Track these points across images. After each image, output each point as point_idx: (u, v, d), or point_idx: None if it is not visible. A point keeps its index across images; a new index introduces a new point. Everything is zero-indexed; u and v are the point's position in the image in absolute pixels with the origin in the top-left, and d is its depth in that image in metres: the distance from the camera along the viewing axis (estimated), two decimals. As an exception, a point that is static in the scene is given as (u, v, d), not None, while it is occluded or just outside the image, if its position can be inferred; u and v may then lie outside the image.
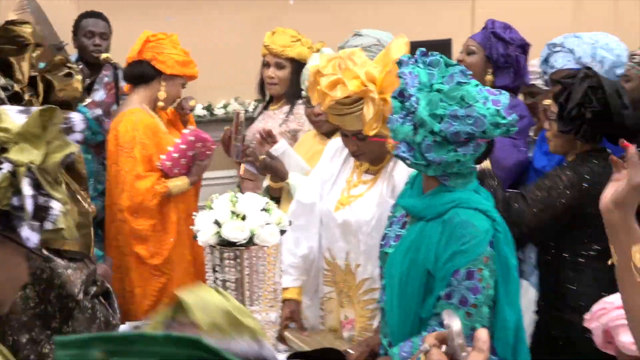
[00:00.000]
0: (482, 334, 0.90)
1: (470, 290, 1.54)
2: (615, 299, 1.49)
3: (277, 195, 2.45)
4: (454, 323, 0.89)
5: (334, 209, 1.99)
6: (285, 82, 2.82)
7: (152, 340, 0.52)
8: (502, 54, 2.59)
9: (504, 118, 1.51)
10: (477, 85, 1.56)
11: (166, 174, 2.61)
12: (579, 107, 1.99)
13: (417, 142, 1.52)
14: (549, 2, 4.30)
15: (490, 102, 1.52)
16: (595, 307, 1.62)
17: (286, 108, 2.87)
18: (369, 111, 1.76)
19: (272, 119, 2.88)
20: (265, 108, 2.99)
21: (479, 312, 1.55)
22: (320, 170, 2.10)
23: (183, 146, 2.59)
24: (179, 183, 2.60)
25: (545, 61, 2.53)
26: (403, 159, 1.58)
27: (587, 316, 1.65)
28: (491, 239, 1.57)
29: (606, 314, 1.56)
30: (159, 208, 2.60)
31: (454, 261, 1.53)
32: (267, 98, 3.02)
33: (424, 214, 1.60)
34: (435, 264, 1.55)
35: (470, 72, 1.60)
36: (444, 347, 0.89)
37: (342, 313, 2.06)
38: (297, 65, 2.75)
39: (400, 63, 1.58)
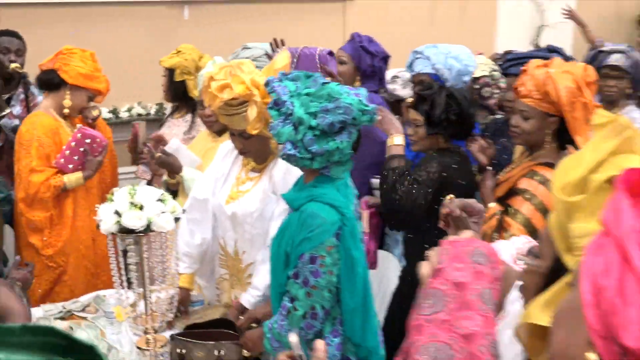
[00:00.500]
0: (319, 345, 1.02)
1: (312, 273, 1.70)
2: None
3: (174, 189, 2.67)
4: (292, 338, 1.07)
5: (224, 202, 2.18)
6: (165, 89, 3.12)
7: (9, 331, 0.53)
8: (369, 65, 2.92)
9: (367, 105, 1.70)
10: (337, 84, 1.76)
11: (63, 171, 2.73)
12: (444, 112, 2.28)
13: (299, 139, 1.68)
14: (408, 14, 4.86)
15: (352, 94, 1.72)
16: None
17: (188, 117, 3.11)
18: (252, 112, 1.96)
19: (177, 127, 3.11)
20: (171, 115, 3.22)
21: (319, 293, 1.72)
22: (213, 169, 2.27)
23: (73, 143, 2.71)
24: (74, 178, 2.72)
25: (410, 65, 2.91)
26: (289, 158, 1.73)
27: None
28: (338, 231, 1.71)
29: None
30: (56, 201, 2.71)
31: (301, 246, 1.70)
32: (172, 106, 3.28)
33: (292, 205, 1.80)
34: (291, 248, 1.73)
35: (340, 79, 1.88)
36: None
37: (232, 293, 2.26)
38: (170, 73, 3.06)
39: (267, 83, 1.77)
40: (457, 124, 2.31)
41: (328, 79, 1.83)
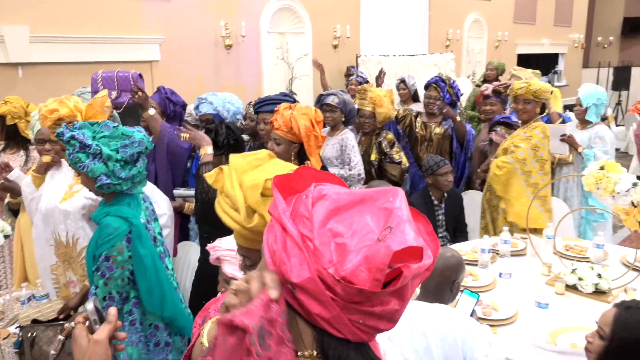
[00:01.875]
0: (112, 310, 1.07)
1: (107, 268, 2.00)
2: (224, 242, 1.77)
3: (16, 208, 3.17)
4: (88, 305, 1.06)
5: (59, 202, 2.58)
6: None
7: None
8: (172, 110, 3.62)
9: (148, 139, 2.07)
10: (122, 126, 2.08)
11: None
12: (226, 138, 2.89)
13: (110, 170, 1.97)
14: (196, 72, 5.88)
15: (137, 131, 2.04)
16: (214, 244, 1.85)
17: (22, 152, 3.56)
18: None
19: (13, 161, 3.52)
20: (3, 151, 3.61)
21: (113, 283, 2.03)
22: (46, 184, 2.72)
23: None
24: None
25: (197, 107, 3.87)
26: (103, 187, 2.00)
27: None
28: (127, 236, 2.01)
29: (219, 249, 1.81)
30: None
31: (99, 248, 2.00)
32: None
33: (95, 221, 2.10)
34: (95, 250, 2.04)
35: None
36: (87, 322, 1.07)
37: (67, 275, 2.59)
38: (2, 119, 3.53)
39: (58, 134, 2.00)
40: (234, 147, 2.94)
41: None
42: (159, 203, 2.79)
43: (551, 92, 5.36)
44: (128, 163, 2.00)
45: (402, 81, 5.86)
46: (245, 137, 3.93)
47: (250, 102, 4.14)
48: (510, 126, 4.31)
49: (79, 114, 2.54)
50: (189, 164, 3.52)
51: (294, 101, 3.56)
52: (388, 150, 4.28)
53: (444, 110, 4.51)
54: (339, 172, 3.86)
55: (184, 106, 3.71)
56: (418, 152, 4.62)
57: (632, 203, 2.48)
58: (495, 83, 4.90)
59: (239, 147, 2.99)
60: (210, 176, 1.25)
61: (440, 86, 4.60)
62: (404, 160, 4.28)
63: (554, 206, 3.87)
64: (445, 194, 3.97)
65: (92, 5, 4.92)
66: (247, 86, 6.26)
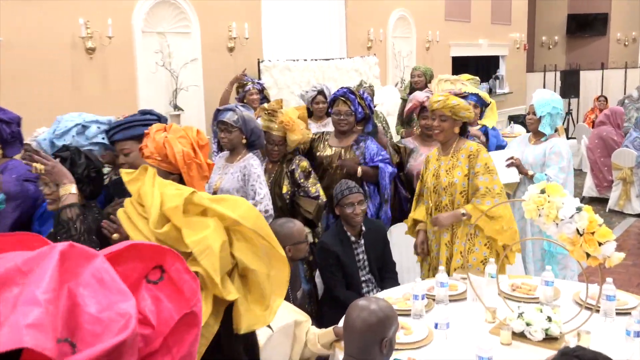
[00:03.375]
0: None
1: None
2: None
3: None
4: None
5: None
6: None
7: None
8: (8, 133, 3.47)
9: None
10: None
11: None
12: (86, 169, 2.84)
13: None
14: (49, 82, 5.66)
15: None
16: None
17: None
18: None
19: None
20: None
21: None
22: None
23: None
24: None
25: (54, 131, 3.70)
26: None
27: None
28: None
29: None
30: None
31: None
32: None
33: None
34: None
35: None
36: None
37: None
38: None
39: None
40: (95, 181, 2.90)
41: None
42: None
43: (484, 107, 5.59)
44: None
45: (320, 92, 5.82)
46: (105, 169, 3.76)
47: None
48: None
49: None
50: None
51: (161, 121, 3.46)
52: (302, 181, 4.35)
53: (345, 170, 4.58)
54: None
55: (18, 122, 3.63)
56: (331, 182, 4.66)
57: (578, 231, 2.55)
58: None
59: (99, 182, 2.97)
60: (128, 174, 1.40)
61: (350, 99, 4.68)
62: (322, 193, 4.34)
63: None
64: (364, 228, 4.02)
65: None
66: (118, 100, 6.09)
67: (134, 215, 1.41)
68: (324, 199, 4.32)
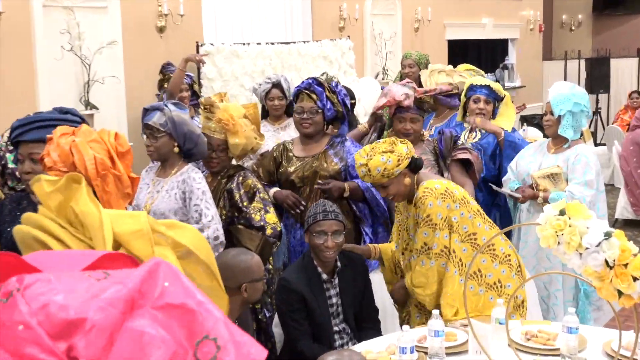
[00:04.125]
0: None
1: None
2: None
3: None
4: None
5: None
6: None
7: None
8: None
9: None
10: None
11: None
12: None
13: None
14: None
15: None
16: None
17: None
18: None
19: None
20: None
21: None
22: None
23: None
24: None
25: None
26: None
27: None
28: None
29: None
30: None
31: None
32: None
33: None
34: None
35: None
36: None
37: None
38: None
39: None
40: None
41: None
42: None
43: (497, 102, 5.61)
44: None
45: (276, 85, 5.85)
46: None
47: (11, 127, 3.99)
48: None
49: None
50: None
51: (79, 122, 3.45)
52: (244, 204, 4.30)
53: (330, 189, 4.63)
54: None
55: None
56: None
57: (607, 262, 2.57)
58: (419, 90, 5.02)
59: None
60: (50, 182, 1.57)
61: (317, 92, 4.71)
62: (272, 220, 4.26)
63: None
64: (339, 264, 4.02)
65: None
66: (10, 97, 6.02)
67: (67, 238, 1.43)
68: (275, 228, 4.25)
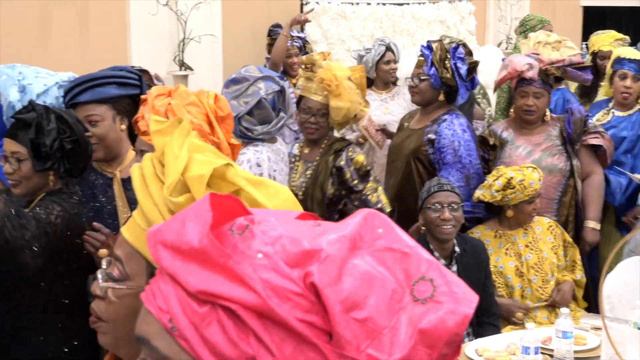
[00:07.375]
0: None
1: None
2: None
3: None
4: None
5: None
6: None
7: None
8: None
9: None
10: None
11: None
12: (59, 138, 2.96)
13: None
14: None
15: None
16: None
17: None
18: None
19: None
20: None
21: None
22: None
23: None
24: None
25: None
26: None
27: None
28: None
29: None
30: None
31: None
32: None
33: None
34: None
35: None
36: None
37: None
38: None
39: None
40: (72, 156, 3.04)
41: None
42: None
43: None
44: None
45: (390, 48, 5.82)
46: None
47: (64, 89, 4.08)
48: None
49: None
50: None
51: (138, 80, 3.61)
52: (355, 183, 4.26)
53: None
54: None
55: None
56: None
57: None
58: (545, 60, 4.90)
59: (80, 156, 3.10)
60: (157, 122, 1.54)
61: (425, 55, 4.64)
62: (385, 202, 4.26)
63: None
64: (457, 248, 3.99)
65: None
66: (101, 55, 6.14)
67: (149, 175, 1.50)
68: (386, 209, 4.25)
